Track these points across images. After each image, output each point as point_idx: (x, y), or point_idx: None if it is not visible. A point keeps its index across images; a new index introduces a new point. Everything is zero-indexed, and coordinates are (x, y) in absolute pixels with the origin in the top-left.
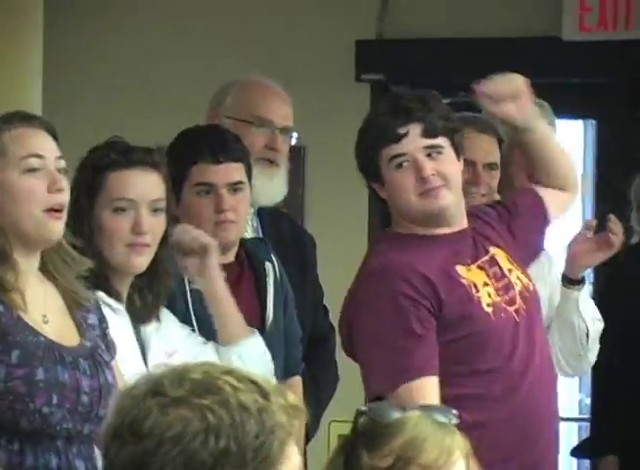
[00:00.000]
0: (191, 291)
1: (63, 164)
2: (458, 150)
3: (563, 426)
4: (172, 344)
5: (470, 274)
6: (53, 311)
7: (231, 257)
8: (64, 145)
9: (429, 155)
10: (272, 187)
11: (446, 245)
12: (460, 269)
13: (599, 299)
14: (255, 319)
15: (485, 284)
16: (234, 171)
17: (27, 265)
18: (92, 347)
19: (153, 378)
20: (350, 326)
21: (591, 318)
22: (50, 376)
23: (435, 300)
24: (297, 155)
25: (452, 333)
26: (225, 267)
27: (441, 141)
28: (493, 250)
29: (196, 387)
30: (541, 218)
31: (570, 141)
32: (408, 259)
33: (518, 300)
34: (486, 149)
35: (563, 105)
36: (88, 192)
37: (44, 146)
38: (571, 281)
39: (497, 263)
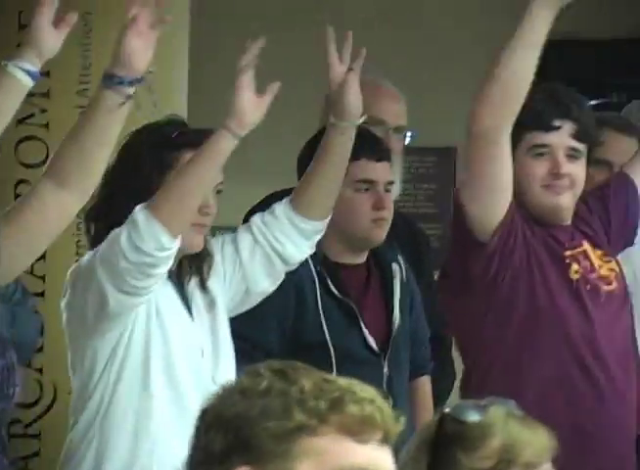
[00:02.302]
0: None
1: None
2: (588, 161)
3: None
4: (211, 294)
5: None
6: None
7: (364, 257)
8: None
9: (569, 155)
10: None
11: (549, 232)
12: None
13: None
14: (383, 321)
15: (576, 272)
16: (388, 170)
17: None
18: None
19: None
20: None
21: None
22: None
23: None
24: (447, 155)
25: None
26: (355, 268)
27: (583, 148)
28: (586, 245)
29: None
30: (631, 195)
31: None
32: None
33: (603, 295)
34: (627, 150)
35: None
36: (159, 170)
37: None
38: None
39: (588, 258)
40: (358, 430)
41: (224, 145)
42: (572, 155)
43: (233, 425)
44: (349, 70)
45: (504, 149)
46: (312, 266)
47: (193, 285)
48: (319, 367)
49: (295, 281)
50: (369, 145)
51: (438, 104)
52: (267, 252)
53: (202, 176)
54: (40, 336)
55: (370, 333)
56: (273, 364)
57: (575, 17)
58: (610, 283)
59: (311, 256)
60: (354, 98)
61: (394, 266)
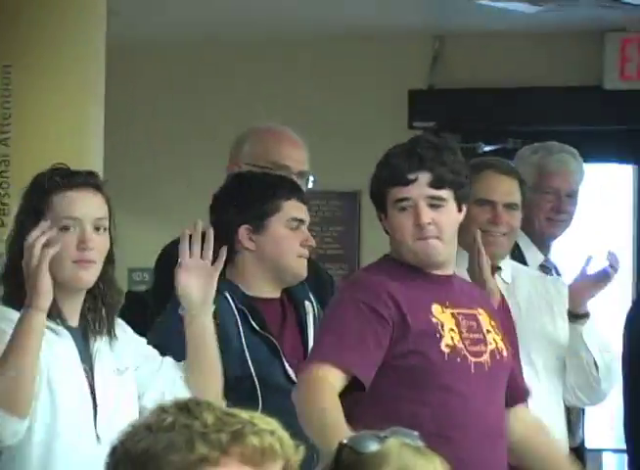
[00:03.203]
0: (246, 335)
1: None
2: (460, 202)
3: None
4: (125, 361)
5: (442, 316)
6: None
7: (279, 293)
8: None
9: (431, 205)
10: None
11: (430, 282)
12: (434, 308)
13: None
14: (300, 353)
15: (452, 330)
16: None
17: None
18: None
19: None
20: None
21: (599, 350)
22: None
23: (398, 319)
24: (352, 198)
25: (401, 358)
26: (271, 302)
27: (445, 194)
28: (480, 310)
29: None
30: None
31: (615, 185)
32: (384, 280)
33: (485, 356)
34: (506, 190)
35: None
36: (34, 215)
37: None
38: (575, 316)
39: (477, 320)
40: (259, 460)
41: (35, 321)
42: (434, 203)
43: (140, 460)
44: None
45: None
46: (233, 304)
47: (100, 344)
48: (245, 399)
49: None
50: (296, 187)
51: (343, 149)
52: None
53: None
54: None
55: (289, 365)
56: (178, 401)
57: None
58: (500, 350)
59: (230, 294)
60: (197, 290)
61: (307, 304)
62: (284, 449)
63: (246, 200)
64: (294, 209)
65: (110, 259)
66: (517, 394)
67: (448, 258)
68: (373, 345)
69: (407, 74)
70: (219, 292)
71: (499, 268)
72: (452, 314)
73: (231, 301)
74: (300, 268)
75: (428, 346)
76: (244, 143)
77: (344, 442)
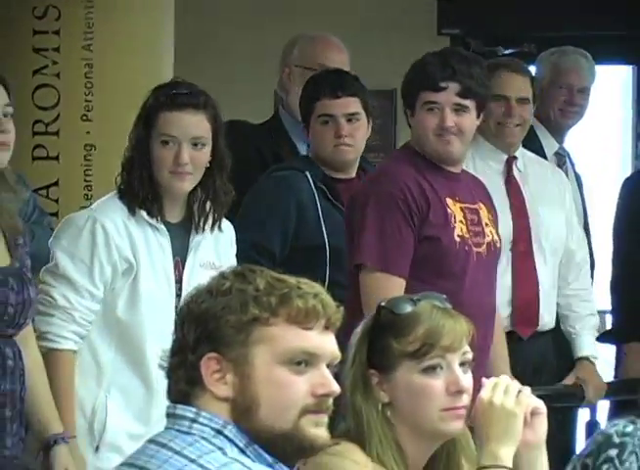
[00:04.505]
0: (322, 205)
1: (10, 110)
2: (480, 110)
3: None
4: (223, 260)
5: (454, 208)
6: None
7: (353, 173)
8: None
9: (455, 110)
10: None
11: (445, 178)
12: (448, 200)
13: None
14: None
15: (460, 222)
16: (351, 104)
17: None
18: (20, 266)
19: None
20: (355, 204)
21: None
22: None
23: (422, 207)
24: (389, 96)
25: (418, 245)
26: (347, 182)
27: (469, 103)
28: (480, 205)
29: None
30: None
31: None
32: (410, 170)
33: (484, 247)
34: (519, 86)
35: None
36: (144, 129)
37: None
38: None
39: (478, 214)
40: (303, 320)
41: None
42: (458, 109)
43: (202, 319)
44: None
45: None
46: (311, 180)
47: (200, 238)
48: (314, 266)
49: (295, 192)
50: (328, 86)
51: (379, 52)
52: None
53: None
54: None
55: None
56: (235, 269)
57: None
58: (495, 242)
59: (310, 173)
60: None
61: None
62: (325, 310)
63: None
64: (322, 107)
65: (219, 166)
66: None
67: (462, 157)
68: (409, 242)
69: None
70: (300, 171)
71: (515, 158)
72: (461, 208)
73: (310, 179)
74: (344, 155)
75: (443, 234)
76: (293, 47)
77: (383, 304)
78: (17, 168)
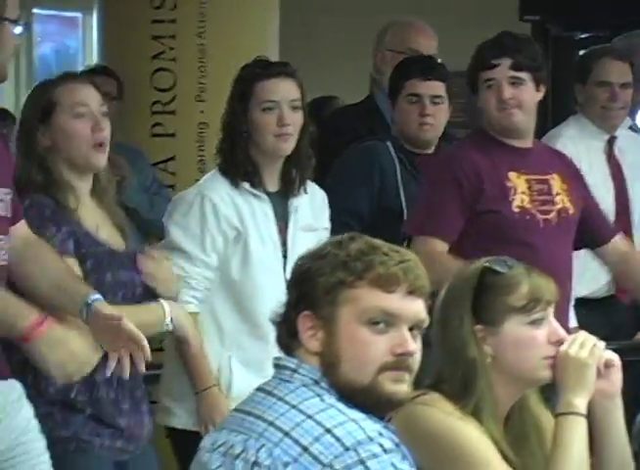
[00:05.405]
0: (401, 173)
1: (105, 109)
2: (538, 83)
3: None
4: (320, 221)
5: (517, 181)
6: (102, 222)
7: (431, 150)
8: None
9: (512, 83)
10: None
11: (510, 153)
12: (511, 174)
13: None
14: None
15: (523, 193)
16: (437, 87)
17: (82, 189)
18: (134, 249)
19: None
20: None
21: None
22: (116, 278)
23: (477, 185)
24: None
25: (479, 217)
26: (425, 156)
27: (524, 75)
28: (554, 175)
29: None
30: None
31: None
32: (469, 153)
33: (553, 214)
34: (621, 72)
35: None
36: (241, 99)
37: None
38: None
39: (548, 184)
40: (385, 283)
41: None
42: (514, 82)
43: (301, 278)
44: None
45: None
46: (392, 150)
47: (298, 202)
48: (392, 229)
49: (377, 158)
50: (418, 66)
51: (465, 36)
52: None
53: None
54: None
55: None
56: (337, 237)
57: None
58: (567, 209)
59: (391, 143)
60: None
61: None
62: (407, 276)
63: None
64: (411, 86)
65: (304, 131)
66: (602, 233)
67: (527, 128)
68: (453, 212)
69: None
70: (382, 141)
71: (615, 137)
72: (526, 180)
73: (391, 148)
74: (426, 134)
75: (502, 206)
76: (386, 33)
77: (486, 264)
78: (137, 144)
